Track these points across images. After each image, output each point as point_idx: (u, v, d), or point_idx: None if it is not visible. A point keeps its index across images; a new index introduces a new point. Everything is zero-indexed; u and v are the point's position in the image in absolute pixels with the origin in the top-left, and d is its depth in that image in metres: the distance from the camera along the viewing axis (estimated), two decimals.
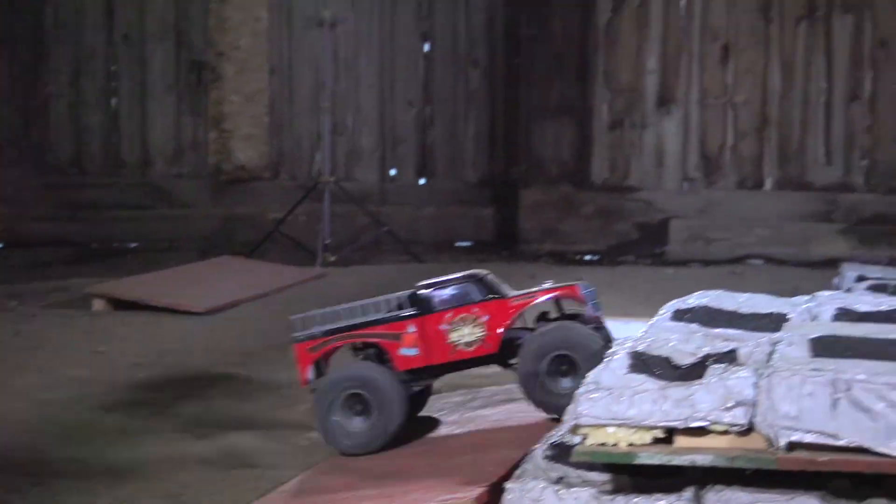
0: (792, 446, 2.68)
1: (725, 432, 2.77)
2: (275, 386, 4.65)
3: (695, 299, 3.84)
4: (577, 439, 2.92)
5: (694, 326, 3.71)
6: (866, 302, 3.69)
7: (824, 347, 2.99)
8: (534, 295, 3.60)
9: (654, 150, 8.50)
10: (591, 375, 3.03)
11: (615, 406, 2.83)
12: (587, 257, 8.51)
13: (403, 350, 3.52)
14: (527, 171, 8.74)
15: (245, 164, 8.98)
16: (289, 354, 5.13)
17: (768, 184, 8.42)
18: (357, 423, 3.52)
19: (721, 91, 8.40)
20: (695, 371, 2.99)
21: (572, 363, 3.46)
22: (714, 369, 2.94)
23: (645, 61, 8.45)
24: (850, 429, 2.64)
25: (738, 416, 2.74)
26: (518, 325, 3.64)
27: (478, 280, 3.58)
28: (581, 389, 2.94)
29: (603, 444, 2.84)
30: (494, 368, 4.39)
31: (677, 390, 2.82)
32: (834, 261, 7.71)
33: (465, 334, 3.49)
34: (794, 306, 3.74)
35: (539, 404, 3.52)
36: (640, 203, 8.49)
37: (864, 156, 8.24)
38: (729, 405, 2.75)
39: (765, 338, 3.20)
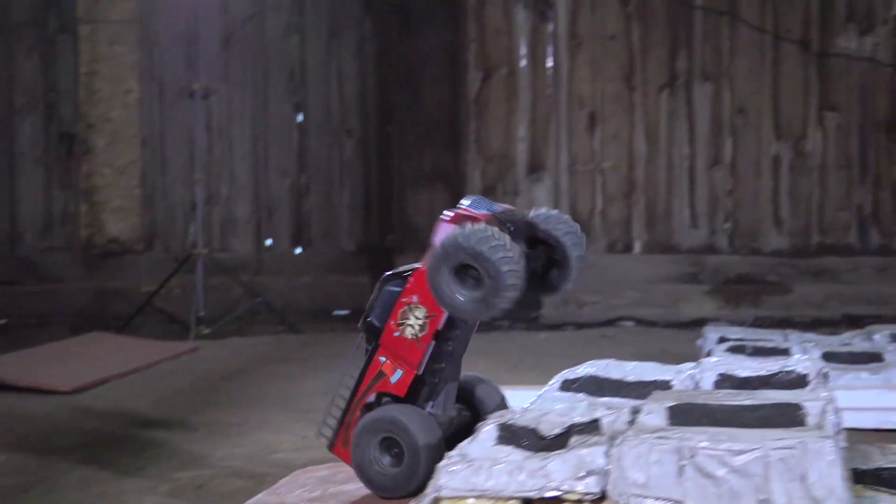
0: None
1: (580, 501, 2.83)
2: (133, 469, 4.57)
3: (583, 369, 3.97)
4: None
5: (581, 396, 3.83)
6: (747, 367, 3.81)
7: (680, 415, 3.08)
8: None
9: None
10: (458, 448, 3.08)
11: (474, 478, 2.87)
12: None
13: (392, 379, 3.48)
14: (402, 238, 8.83)
15: (117, 236, 8.88)
16: (152, 433, 5.09)
17: (637, 247, 8.64)
18: (390, 464, 3.39)
19: (589, 157, 8.62)
20: (559, 441, 3.06)
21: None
22: (576, 439, 3.02)
23: (515, 129, 8.64)
24: (695, 494, 2.73)
25: (591, 485, 2.81)
26: None
27: (391, 276, 3.50)
28: (443, 462, 2.98)
29: None
30: None
31: (533, 461, 2.88)
32: (702, 321, 7.96)
33: (413, 322, 3.44)
34: (678, 373, 3.85)
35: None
36: None
37: (728, 218, 8.52)
38: (581, 474, 2.82)
39: (627, 407, 3.29)
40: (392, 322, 3.43)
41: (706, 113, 8.48)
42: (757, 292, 8.40)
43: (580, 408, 3.32)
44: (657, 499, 2.75)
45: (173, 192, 8.97)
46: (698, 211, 8.54)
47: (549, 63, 8.60)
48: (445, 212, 3.49)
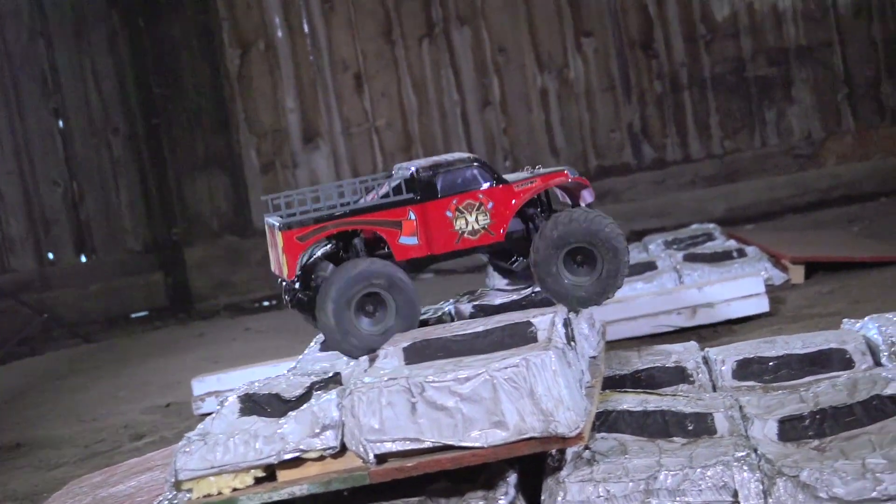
0: (382, 458, 2.73)
1: (322, 457, 2.80)
2: None
3: None
4: (185, 496, 2.87)
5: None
6: (502, 295, 3.82)
7: (416, 353, 3.06)
8: (535, 182, 3.36)
9: (308, 186, 8.57)
10: (200, 426, 3.00)
11: (210, 455, 2.80)
12: (265, 303, 8.48)
13: (403, 239, 3.23)
14: (187, 229, 8.63)
15: None
16: None
17: None
18: (368, 325, 3.22)
19: (362, 118, 8.57)
20: (301, 402, 3.01)
21: (591, 255, 3.32)
22: (316, 396, 2.97)
23: (283, 101, 8.52)
24: (431, 429, 2.71)
25: (329, 440, 2.77)
26: None
27: (481, 164, 3.31)
28: (181, 443, 2.90)
29: (208, 496, 2.81)
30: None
31: (267, 427, 2.83)
32: None
33: (471, 222, 3.26)
34: (436, 311, 3.84)
35: (549, 291, 3.34)
36: None
37: (507, 156, 8.60)
38: (317, 430, 2.78)
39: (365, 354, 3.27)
40: (453, 202, 3.24)
41: (468, 57, 8.52)
42: None
43: (340, 365, 3.28)
44: (394, 440, 2.73)
45: None
46: (477, 153, 8.58)
47: (306, 30, 8.50)
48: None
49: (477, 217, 3.27)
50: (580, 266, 3.35)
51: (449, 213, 3.25)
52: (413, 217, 3.23)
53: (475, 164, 3.31)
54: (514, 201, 3.31)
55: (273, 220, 3.31)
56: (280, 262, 3.28)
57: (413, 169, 3.30)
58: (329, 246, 3.40)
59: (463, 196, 3.26)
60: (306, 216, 3.24)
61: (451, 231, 3.27)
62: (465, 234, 3.28)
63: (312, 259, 3.38)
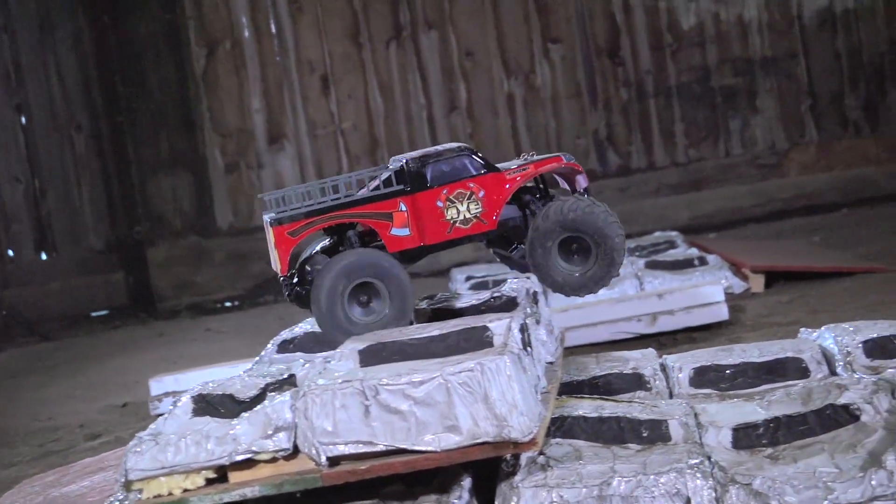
0: (335, 460, 2.71)
1: (274, 459, 2.77)
2: None
3: (300, 327, 3.89)
4: (135, 496, 2.84)
5: (298, 354, 3.76)
6: (462, 300, 3.81)
7: (371, 356, 3.04)
8: (527, 168, 3.32)
9: (273, 187, 8.54)
10: (152, 425, 2.97)
11: (161, 455, 2.77)
12: (227, 304, 8.44)
13: (395, 230, 3.22)
14: (150, 228, 8.57)
15: None
16: None
17: None
18: (362, 315, 3.23)
19: (328, 120, 8.55)
20: (256, 403, 2.99)
21: (588, 253, 3.31)
22: (270, 397, 2.95)
23: (249, 101, 8.48)
24: (384, 432, 2.70)
25: (282, 441, 2.75)
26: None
27: (471, 153, 3.28)
28: (132, 442, 2.87)
29: (159, 496, 2.78)
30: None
31: (219, 427, 2.80)
32: (461, 265, 8.02)
33: (462, 211, 3.24)
34: None
35: (533, 262, 3.33)
36: None
37: None
38: (270, 432, 2.76)
39: (321, 356, 3.26)
40: (443, 192, 3.23)
41: (436, 61, 8.52)
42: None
43: (296, 367, 3.26)
44: (347, 443, 2.71)
45: None
46: None
47: (273, 31, 8.47)
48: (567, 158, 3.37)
49: (468, 206, 3.26)
50: (572, 255, 3.34)
51: (440, 203, 3.24)
52: (404, 208, 3.23)
53: (465, 153, 3.31)
54: (507, 186, 3.29)
55: (266, 217, 3.31)
56: (273, 258, 3.28)
57: (404, 160, 3.29)
58: (327, 240, 3.40)
59: (453, 185, 3.25)
60: (296, 211, 3.24)
61: (442, 221, 3.26)
62: (457, 224, 3.28)
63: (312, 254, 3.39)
